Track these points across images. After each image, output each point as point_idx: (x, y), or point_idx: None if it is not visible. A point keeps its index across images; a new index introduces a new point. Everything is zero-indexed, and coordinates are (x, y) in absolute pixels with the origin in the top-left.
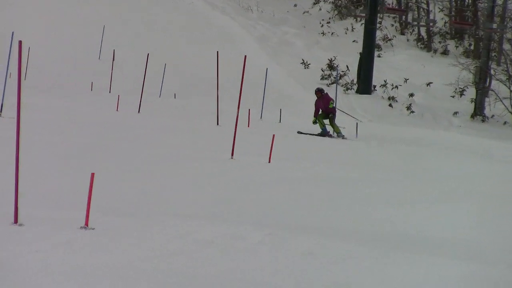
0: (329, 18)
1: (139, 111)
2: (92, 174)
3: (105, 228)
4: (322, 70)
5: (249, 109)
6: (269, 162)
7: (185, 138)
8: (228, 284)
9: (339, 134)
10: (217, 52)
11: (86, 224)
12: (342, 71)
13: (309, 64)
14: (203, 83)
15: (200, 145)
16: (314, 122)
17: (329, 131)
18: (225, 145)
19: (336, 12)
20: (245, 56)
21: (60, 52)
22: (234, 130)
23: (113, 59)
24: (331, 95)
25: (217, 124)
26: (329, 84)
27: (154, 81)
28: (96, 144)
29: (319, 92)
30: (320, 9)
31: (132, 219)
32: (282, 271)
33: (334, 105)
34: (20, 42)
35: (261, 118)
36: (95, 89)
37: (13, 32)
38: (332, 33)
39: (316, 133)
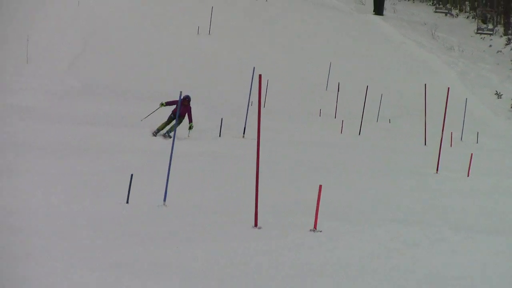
0: None
1: (359, 134)
2: (320, 186)
3: (329, 231)
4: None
5: (451, 132)
6: (468, 176)
7: (397, 156)
8: (434, 281)
9: (167, 133)
10: (425, 84)
11: (315, 227)
12: None
13: (502, 95)
14: (413, 109)
15: (410, 161)
16: (162, 105)
17: (165, 132)
18: (431, 162)
19: None
20: (448, 88)
21: (293, 83)
22: (439, 149)
23: (338, 90)
24: None
25: (425, 144)
26: None
27: (372, 107)
28: (322, 160)
29: (186, 100)
30: (511, 49)
31: (353, 224)
32: (479, 268)
33: (189, 127)
34: (260, 75)
35: (461, 139)
36: (322, 115)
37: (254, 67)
38: None
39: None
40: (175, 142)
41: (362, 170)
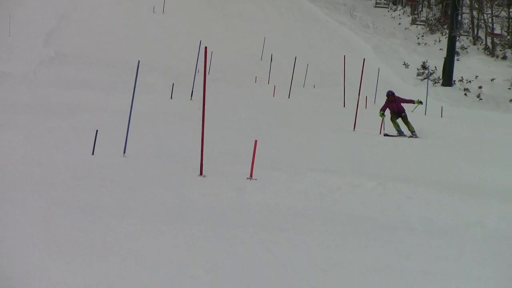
0: (423, 33)
1: (289, 97)
2: (255, 141)
3: (264, 178)
4: (418, 70)
5: (366, 96)
6: (380, 133)
7: (321, 116)
8: (351, 219)
9: (413, 133)
10: (344, 56)
11: (251, 175)
12: (432, 70)
13: (409, 65)
14: (334, 77)
15: (332, 120)
16: (382, 115)
17: (403, 131)
18: (349, 121)
19: (428, 29)
20: (364, 59)
21: (234, 55)
22: (355, 110)
23: (271, 60)
24: (423, 88)
25: (344, 106)
26: (423, 79)
27: (300, 75)
28: (257, 119)
29: (392, 95)
30: (417, 27)
31: (283, 172)
32: (388, 209)
33: (417, 101)
34: (205, 48)
35: (374, 102)
36: (258, 81)
37: (200, 41)
38: (425, 43)
39: (396, 134)
40: (133, 103)
41: (291, 127)
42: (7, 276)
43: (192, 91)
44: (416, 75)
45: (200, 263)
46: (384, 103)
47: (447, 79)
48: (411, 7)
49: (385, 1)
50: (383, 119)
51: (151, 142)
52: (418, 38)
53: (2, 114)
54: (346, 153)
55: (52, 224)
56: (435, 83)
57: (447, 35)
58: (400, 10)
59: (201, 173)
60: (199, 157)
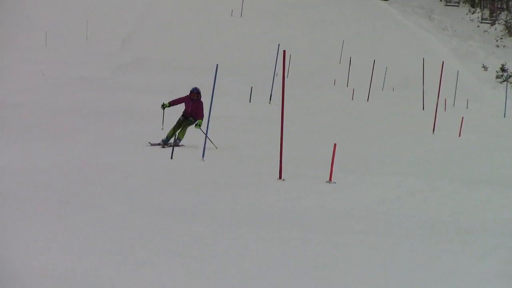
0: (502, 36)
1: (368, 100)
2: (335, 144)
3: (343, 182)
4: (496, 72)
5: (445, 99)
6: (459, 135)
7: (400, 118)
8: (430, 222)
9: (177, 140)
10: (423, 58)
11: (330, 179)
12: (511, 73)
13: (488, 67)
14: (413, 80)
15: (411, 123)
16: (163, 107)
17: (170, 143)
18: (428, 123)
19: (507, 31)
20: (443, 62)
21: (312, 58)
22: (434, 113)
23: (350, 63)
24: (502, 90)
25: (423, 109)
26: (502, 81)
27: (378, 78)
28: (337, 122)
29: (196, 94)
30: (496, 29)
31: (362, 175)
32: (465, 212)
33: (200, 125)
34: (284, 51)
35: (453, 105)
36: (336, 84)
37: (279, 44)
38: (504, 46)
39: (158, 142)
40: (212, 106)
41: (370, 130)
42: (82, 277)
43: (271, 95)
44: (495, 77)
45: (279, 267)
46: (181, 96)
47: None
48: (489, 10)
49: (456, 0)
50: (163, 110)
51: (229, 146)
52: (496, 40)
53: (80, 119)
54: (425, 156)
55: (127, 228)
56: None
57: None
58: (478, 12)
59: (280, 177)
60: (278, 160)
